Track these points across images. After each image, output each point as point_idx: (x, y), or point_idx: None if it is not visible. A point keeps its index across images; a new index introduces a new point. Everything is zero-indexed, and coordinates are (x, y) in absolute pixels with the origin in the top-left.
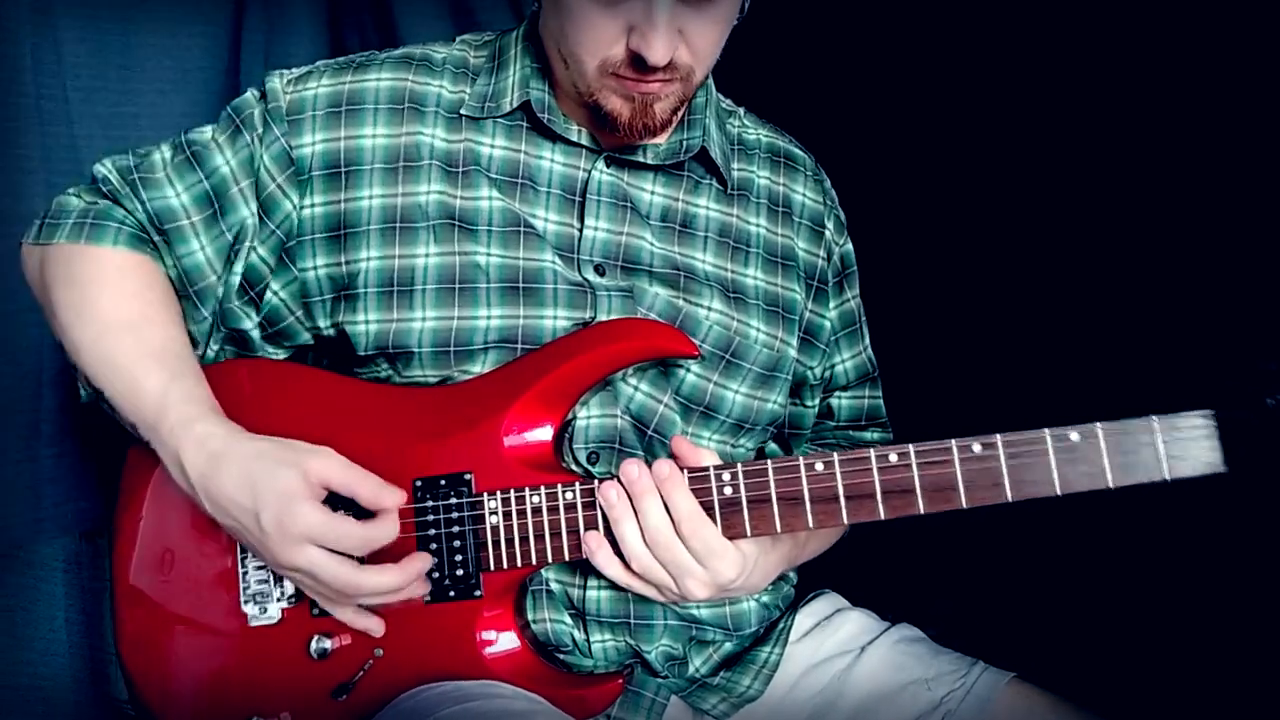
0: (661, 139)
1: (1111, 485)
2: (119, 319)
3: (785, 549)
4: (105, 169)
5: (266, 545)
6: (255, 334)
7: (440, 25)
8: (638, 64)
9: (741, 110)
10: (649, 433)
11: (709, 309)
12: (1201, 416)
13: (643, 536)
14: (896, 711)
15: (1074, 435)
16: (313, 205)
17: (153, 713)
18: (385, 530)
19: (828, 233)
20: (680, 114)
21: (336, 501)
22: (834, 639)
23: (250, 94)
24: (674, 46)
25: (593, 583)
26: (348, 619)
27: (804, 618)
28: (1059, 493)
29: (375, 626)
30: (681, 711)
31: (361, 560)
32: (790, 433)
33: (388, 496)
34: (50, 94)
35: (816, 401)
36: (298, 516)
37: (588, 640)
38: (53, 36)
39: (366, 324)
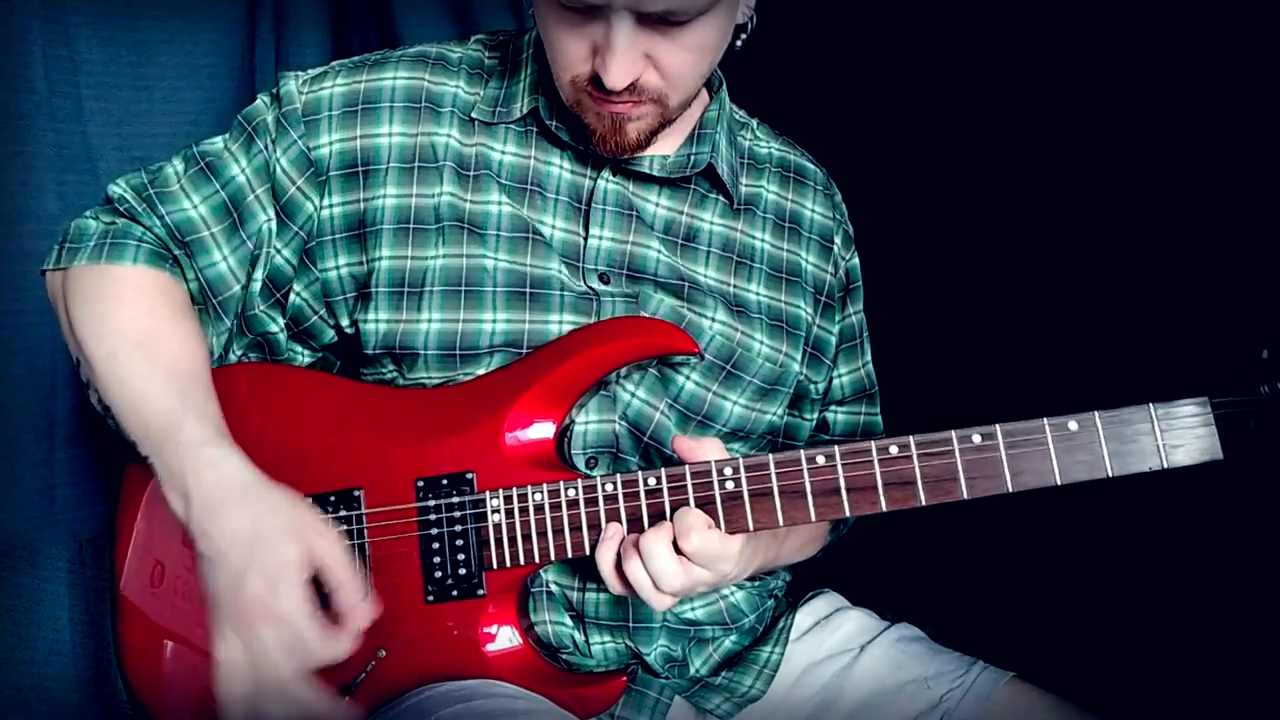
0: (669, 151)
1: (1110, 474)
2: (132, 335)
3: (765, 541)
4: (120, 188)
5: (235, 601)
6: (281, 336)
7: (440, 26)
8: (599, 84)
9: (755, 122)
10: (645, 439)
11: (713, 319)
12: (1198, 404)
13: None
14: (896, 710)
15: (1072, 424)
16: (331, 205)
17: (149, 712)
18: (342, 647)
19: (835, 247)
20: (689, 130)
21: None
22: (834, 638)
23: (261, 101)
24: (635, 71)
25: (591, 585)
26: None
27: (804, 617)
28: (1059, 482)
29: None
30: (685, 711)
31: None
32: (784, 443)
33: (358, 611)
34: (62, 90)
35: (815, 415)
36: (282, 596)
37: (587, 642)
38: (64, 33)
39: (376, 323)
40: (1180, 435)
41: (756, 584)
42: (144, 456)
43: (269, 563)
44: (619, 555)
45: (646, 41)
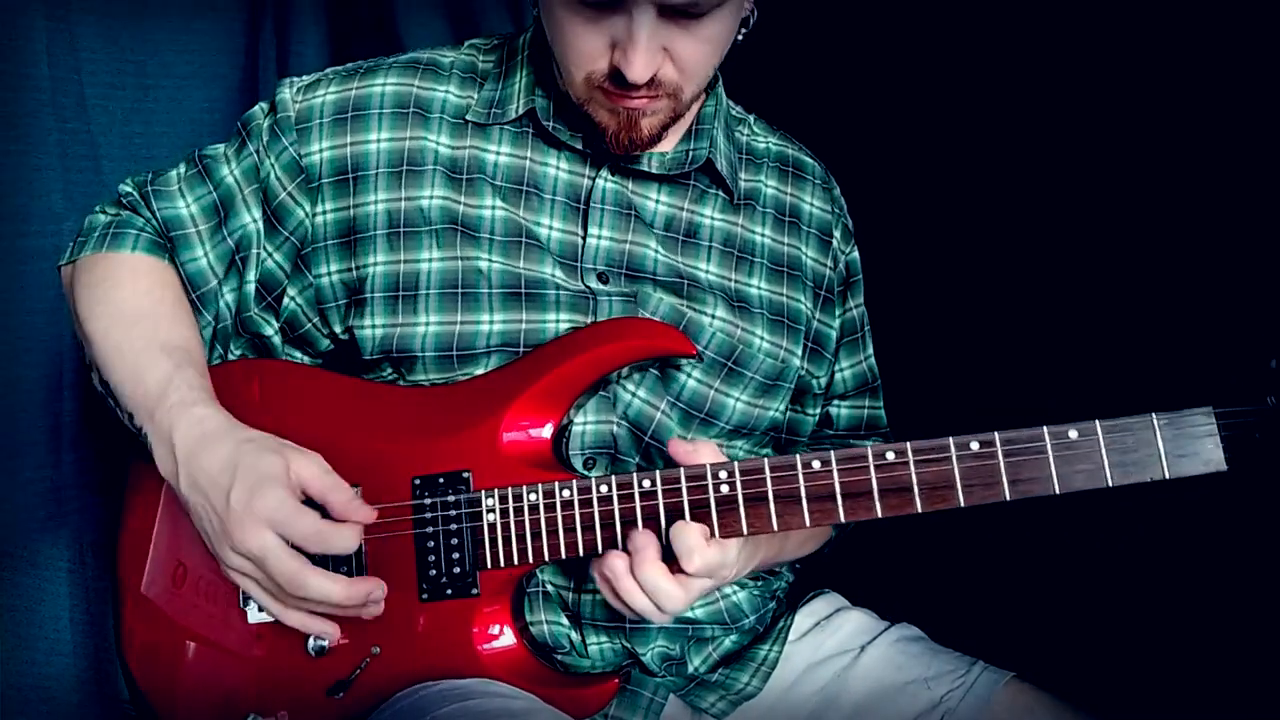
0: (667, 148)
1: (1111, 484)
2: (130, 312)
3: (765, 537)
4: (127, 185)
5: (226, 524)
6: (276, 339)
7: (440, 28)
8: (618, 80)
9: (752, 118)
10: (645, 439)
11: (713, 316)
12: (1202, 414)
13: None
14: (896, 710)
15: (1073, 433)
16: (324, 212)
17: (154, 710)
18: (344, 537)
19: (835, 241)
20: (687, 126)
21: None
22: (834, 638)
23: (259, 107)
24: (656, 64)
25: (587, 586)
26: (297, 622)
27: (804, 617)
28: (1057, 491)
29: (329, 631)
30: (680, 710)
31: (358, 566)
32: (788, 439)
33: (357, 511)
34: (66, 90)
35: (817, 410)
36: (266, 496)
37: (584, 642)
38: (68, 33)
39: (373, 329)
40: (1183, 446)
41: (759, 585)
42: (139, 429)
43: (249, 474)
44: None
45: (665, 34)
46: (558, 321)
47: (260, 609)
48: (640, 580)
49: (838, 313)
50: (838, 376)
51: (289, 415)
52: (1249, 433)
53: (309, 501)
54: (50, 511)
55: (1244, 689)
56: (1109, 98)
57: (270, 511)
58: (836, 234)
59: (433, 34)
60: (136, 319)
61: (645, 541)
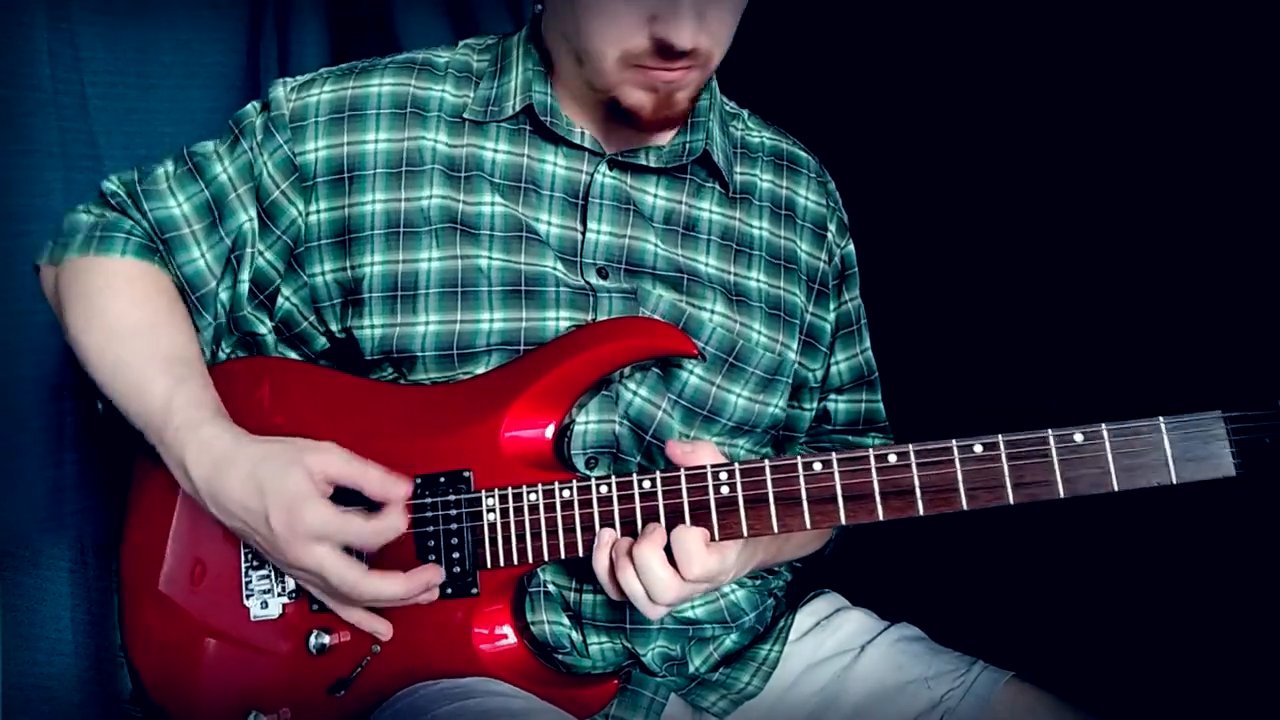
0: (664, 141)
1: (1117, 489)
2: (127, 325)
3: (765, 538)
4: (112, 184)
5: (276, 546)
6: (270, 338)
7: (439, 27)
8: (664, 52)
9: (745, 113)
10: (647, 438)
11: (712, 311)
12: (1211, 418)
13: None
14: (896, 710)
15: (1078, 436)
16: (318, 211)
17: (157, 707)
18: (393, 522)
19: (830, 235)
20: (687, 119)
21: (346, 498)
22: (834, 638)
23: (251, 105)
24: (699, 31)
25: (588, 586)
26: (356, 619)
27: (804, 617)
28: (1062, 495)
29: (383, 630)
30: (681, 710)
31: (371, 562)
32: (785, 435)
33: (394, 487)
34: (67, 89)
35: (814, 405)
36: (306, 515)
37: (585, 642)
38: (69, 32)
39: (372, 329)
40: (1192, 450)
41: (757, 583)
42: (151, 445)
43: (278, 497)
44: (613, 561)
45: (701, 1)
46: (558, 319)
47: (264, 606)
48: (635, 558)
49: (832, 306)
50: (833, 370)
51: (288, 414)
52: (1259, 437)
53: (343, 493)
54: (52, 512)
55: (1244, 689)
56: (1113, 96)
57: (314, 528)
58: (831, 227)
59: (432, 33)
60: (133, 331)
61: (654, 528)
